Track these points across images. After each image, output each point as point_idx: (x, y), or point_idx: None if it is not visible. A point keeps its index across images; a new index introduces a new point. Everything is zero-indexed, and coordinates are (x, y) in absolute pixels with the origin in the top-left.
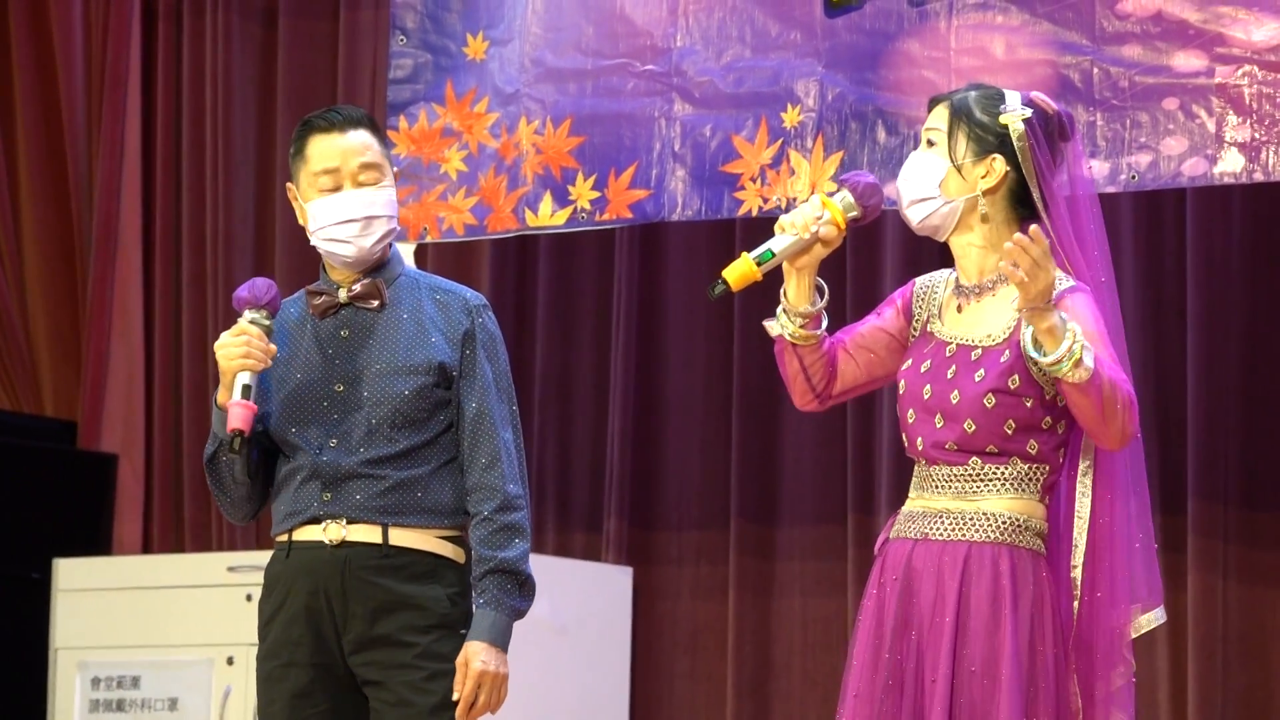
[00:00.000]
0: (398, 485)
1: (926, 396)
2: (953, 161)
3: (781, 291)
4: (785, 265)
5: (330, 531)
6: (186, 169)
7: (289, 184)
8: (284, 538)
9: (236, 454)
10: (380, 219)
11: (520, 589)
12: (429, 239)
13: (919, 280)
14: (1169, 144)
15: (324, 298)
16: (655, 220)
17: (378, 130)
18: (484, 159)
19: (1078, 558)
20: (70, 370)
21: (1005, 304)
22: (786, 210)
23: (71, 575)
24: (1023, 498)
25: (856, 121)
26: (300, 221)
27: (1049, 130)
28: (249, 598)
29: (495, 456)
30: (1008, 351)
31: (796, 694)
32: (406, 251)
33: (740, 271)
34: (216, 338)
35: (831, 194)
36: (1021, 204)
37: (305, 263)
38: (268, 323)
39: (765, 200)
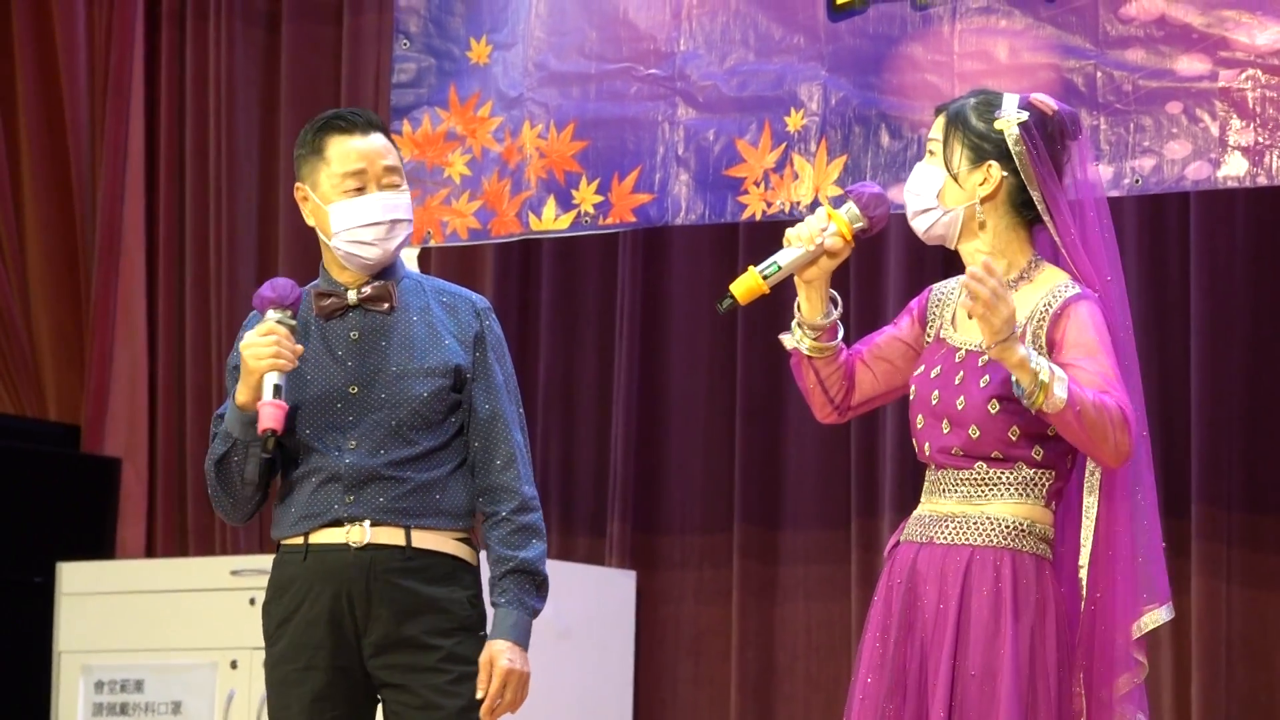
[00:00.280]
0: (419, 488)
1: (934, 402)
2: (949, 171)
3: (795, 305)
4: (796, 279)
5: (354, 534)
6: (190, 173)
7: (299, 184)
8: (298, 540)
9: (269, 454)
10: (403, 222)
11: (538, 589)
12: (433, 243)
13: (934, 287)
14: (1172, 148)
15: (332, 299)
16: (659, 224)
17: (389, 134)
18: (487, 163)
19: (1084, 558)
20: (73, 374)
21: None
22: (790, 214)
23: (75, 579)
24: (1027, 503)
25: (860, 125)
26: (310, 222)
27: (1048, 132)
28: (252, 601)
29: (510, 458)
30: None
31: (800, 698)
32: (410, 256)
33: (747, 285)
34: (220, 342)
35: (837, 205)
36: (1026, 207)
37: (309, 265)
38: (293, 322)
39: (769, 204)
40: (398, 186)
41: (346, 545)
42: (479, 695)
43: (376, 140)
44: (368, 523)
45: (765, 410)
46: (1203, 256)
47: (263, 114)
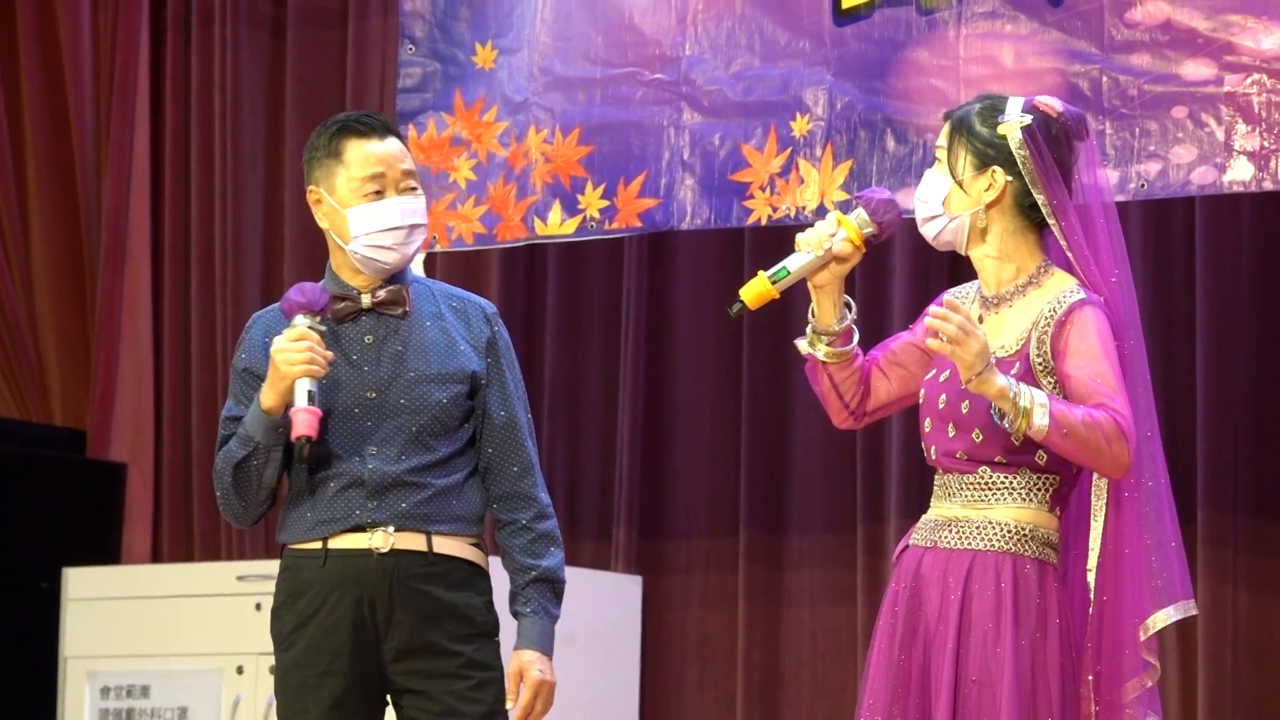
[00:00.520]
0: (439, 493)
1: (941, 405)
2: (954, 177)
3: (809, 311)
4: (808, 285)
5: (377, 539)
6: (195, 178)
7: (313, 188)
8: (315, 545)
9: (306, 460)
10: (420, 227)
11: (557, 597)
12: (438, 248)
13: (949, 291)
14: (1178, 152)
15: (346, 302)
16: (664, 229)
17: (403, 138)
18: (493, 168)
19: (1092, 561)
20: (79, 379)
21: (1021, 315)
22: (796, 219)
23: (81, 584)
24: (1031, 507)
25: (865, 130)
26: (323, 225)
27: (1053, 134)
28: (258, 607)
29: (527, 465)
30: (1018, 364)
31: (806, 703)
32: (416, 260)
33: (756, 290)
34: (225, 346)
35: (847, 211)
36: (1033, 211)
37: (314, 269)
38: (323, 328)
39: (774, 209)
40: (414, 190)
41: (369, 551)
42: (509, 705)
43: (393, 145)
44: (391, 528)
45: (771, 415)
46: (1208, 261)
47: (267, 118)
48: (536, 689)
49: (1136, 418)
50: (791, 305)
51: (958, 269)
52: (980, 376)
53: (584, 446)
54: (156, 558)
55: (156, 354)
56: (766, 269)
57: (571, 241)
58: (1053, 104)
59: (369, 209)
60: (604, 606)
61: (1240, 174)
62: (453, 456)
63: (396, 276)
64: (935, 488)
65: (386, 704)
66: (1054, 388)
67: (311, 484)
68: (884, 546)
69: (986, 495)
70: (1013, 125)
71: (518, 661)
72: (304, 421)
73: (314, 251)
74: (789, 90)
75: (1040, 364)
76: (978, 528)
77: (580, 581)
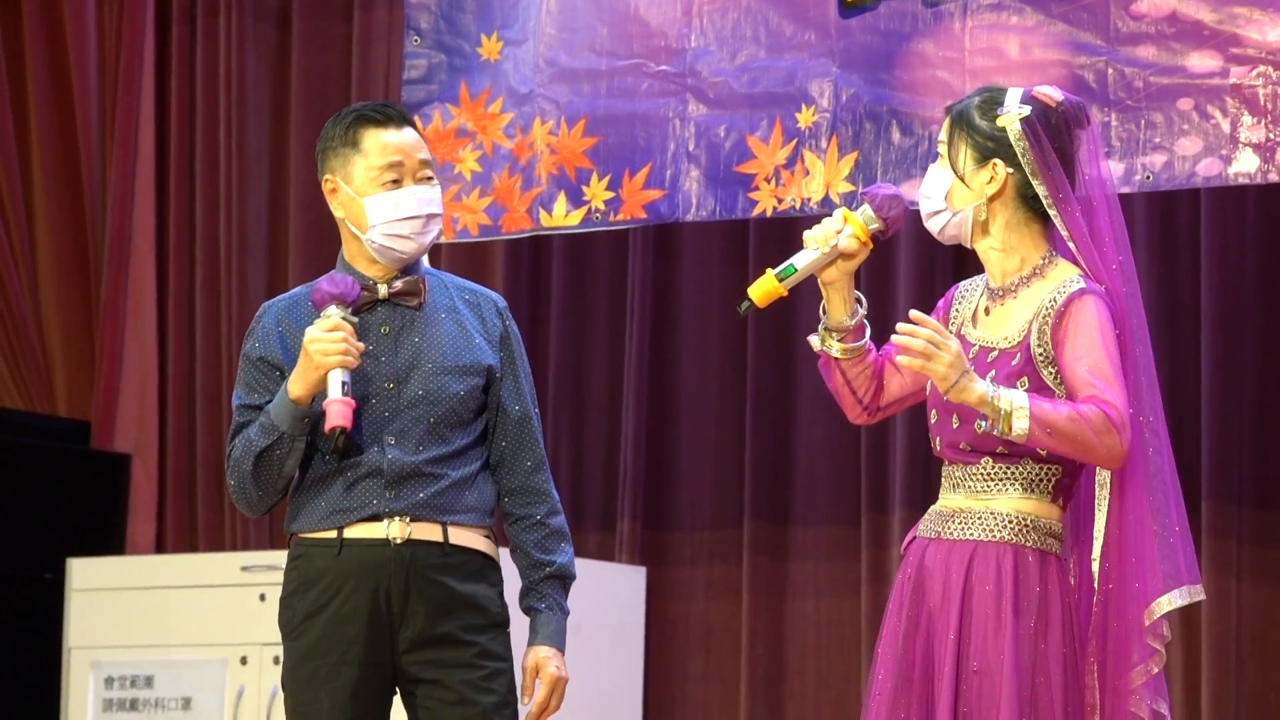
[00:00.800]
0: (454, 484)
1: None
2: (955, 172)
3: (820, 308)
4: (818, 281)
5: (394, 529)
6: (200, 171)
7: (329, 176)
8: (329, 534)
9: (338, 450)
10: (436, 217)
11: (567, 592)
12: (443, 239)
13: (960, 284)
14: (1184, 144)
15: (362, 293)
16: (669, 221)
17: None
18: (498, 159)
19: (1096, 550)
20: (84, 370)
21: (1025, 306)
22: (801, 211)
23: (85, 575)
24: (1033, 498)
25: (871, 122)
26: (338, 214)
27: (1052, 124)
28: (263, 597)
29: (540, 460)
30: (1019, 355)
31: (810, 695)
32: None
33: (764, 289)
34: (230, 337)
35: (854, 207)
36: (1036, 202)
37: (319, 263)
38: (355, 319)
39: (779, 201)
40: (431, 181)
41: (386, 540)
42: (524, 701)
43: (411, 135)
44: (408, 518)
45: (775, 406)
46: (1213, 253)
47: (272, 111)
48: (553, 685)
49: (1139, 405)
50: (797, 297)
51: (964, 262)
52: (957, 386)
53: (589, 438)
54: (160, 548)
55: (161, 346)
56: (772, 264)
57: (576, 233)
58: (1051, 93)
59: (387, 198)
60: (608, 598)
61: (1246, 166)
62: (467, 449)
63: (411, 268)
64: (942, 479)
65: (395, 694)
66: (1055, 379)
67: (326, 474)
68: (888, 538)
69: (989, 486)
70: (1011, 117)
71: (534, 657)
72: (339, 412)
73: (319, 244)
74: (794, 82)
75: (1041, 355)
76: (979, 518)
77: (584, 573)
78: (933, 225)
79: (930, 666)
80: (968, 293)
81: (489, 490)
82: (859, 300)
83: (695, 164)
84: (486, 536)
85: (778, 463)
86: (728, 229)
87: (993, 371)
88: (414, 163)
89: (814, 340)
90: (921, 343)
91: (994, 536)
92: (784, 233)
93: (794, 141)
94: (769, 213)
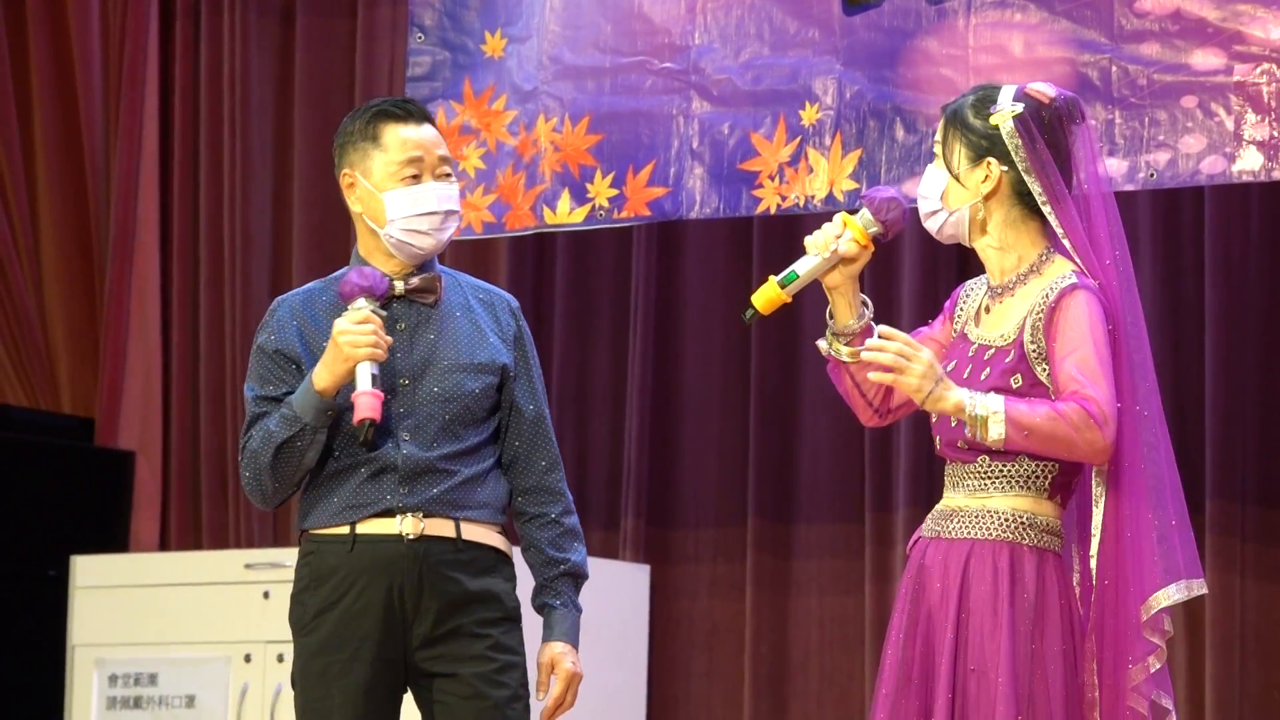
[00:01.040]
0: (467, 481)
1: None
2: (950, 171)
3: (827, 312)
4: (823, 286)
5: (407, 525)
6: (204, 167)
7: (347, 170)
8: (342, 530)
9: (368, 443)
10: (455, 214)
11: (579, 590)
12: None
13: (966, 284)
14: (1187, 142)
15: None
16: (673, 218)
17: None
18: (502, 156)
19: (1094, 547)
20: (88, 367)
21: (1021, 303)
22: (805, 208)
23: (89, 572)
24: (1029, 495)
25: (875, 119)
26: (355, 209)
27: (1045, 121)
28: (267, 595)
29: (554, 460)
30: (1013, 352)
31: (813, 692)
32: None
33: (767, 296)
34: (234, 334)
35: (854, 211)
36: (1032, 198)
37: (323, 259)
38: (384, 313)
39: (783, 198)
40: (450, 177)
41: (399, 536)
42: (539, 696)
43: (430, 131)
44: (421, 514)
45: (779, 404)
46: (1217, 250)
47: (276, 108)
48: (569, 681)
49: (1134, 399)
50: (799, 296)
51: (967, 262)
52: (932, 396)
53: (592, 435)
54: (164, 546)
55: (165, 342)
56: (775, 261)
57: (580, 231)
58: (1044, 90)
59: (406, 193)
60: (612, 596)
61: (1250, 163)
62: (480, 446)
63: (426, 265)
64: (945, 478)
65: (406, 691)
66: (1049, 375)
67: (338, 470)
68: (892, 536)
69: (986, 484)
70: (1004, 115)
71: (549, 653)
72: (368, 404)
73: (323, 241)
74: (798, 79)
75: (1034, 351)
76: (977, 517)
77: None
78: (931, 225)
79: (929, 666)
80: (972, 292)
81: (501, 487)
82: (865, 303)
83: (699, 161)
84: (499, 532)
85: (782, 460)
86: (732, 226)
87: (988, 369)
88: (434, 159)
89: (822, 345)
90: (891, 356)
91: (991, 535)
92: (788, 230)
93: (798, 139)
94: (773, 210)
